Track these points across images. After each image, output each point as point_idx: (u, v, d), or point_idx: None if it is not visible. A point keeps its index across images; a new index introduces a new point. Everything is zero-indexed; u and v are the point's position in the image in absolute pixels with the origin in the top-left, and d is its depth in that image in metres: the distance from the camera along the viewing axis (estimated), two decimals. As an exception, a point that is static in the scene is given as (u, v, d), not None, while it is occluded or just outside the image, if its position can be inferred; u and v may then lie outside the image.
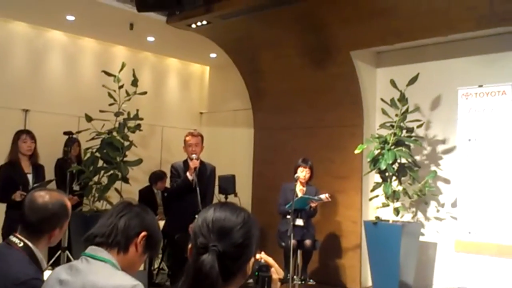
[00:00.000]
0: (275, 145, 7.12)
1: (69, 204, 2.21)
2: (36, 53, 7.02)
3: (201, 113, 9.09)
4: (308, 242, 5.58)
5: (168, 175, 5.76)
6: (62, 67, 7.30)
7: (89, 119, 5.63)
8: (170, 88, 8.71)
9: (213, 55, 8.17)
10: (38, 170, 5.17)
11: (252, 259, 1.43)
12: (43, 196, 2.14)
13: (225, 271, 1.34)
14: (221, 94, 8.82)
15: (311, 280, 5.80)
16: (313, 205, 5.50)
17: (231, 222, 1.41)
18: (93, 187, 5.62)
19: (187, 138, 5.12)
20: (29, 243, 2.09)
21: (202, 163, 5.13)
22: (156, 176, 7.10)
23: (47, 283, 1.76)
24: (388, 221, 5.65)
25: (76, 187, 5.73)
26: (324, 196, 5.45)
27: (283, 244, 5.46)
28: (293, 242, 5.22)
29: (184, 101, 8.87)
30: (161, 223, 5.25)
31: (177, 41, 7.41)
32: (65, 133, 5.98)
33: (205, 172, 5.18)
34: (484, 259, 5.01)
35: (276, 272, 1.46)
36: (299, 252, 5.67)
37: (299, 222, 5.53)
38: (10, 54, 6.79)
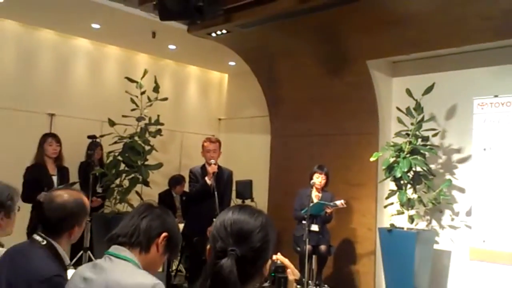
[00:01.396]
0: (292, 152, 7.11)
1: (86, 202, 2.22)
2: (63, 60, 7.15)
3: (219, 119, 9.13)
4: (323, 247, 5.56)
5: (187, 179, 5.79)
6: (87, 73, 7.41)
7: (112, 123, 5.70)
8: (190, 95, 8.77)
9: (232, 63, 8.21)
10: (63, 172, 5.25)
11: (269, 261, 1.44)
12: (61, 195, 2.15)
13: (243, 274, 1.34)
14: (239, 101, 8.86)
15: (326, 286, 5.76)
16: (328, 211, 5.49)
17: (250, 225, 1.41)
18: (115, 190, 5.68)
19: (205, 144, 5.14)
20: (52, 241, 2.11)
21: (219, 167, 5.15)
22: (175, 180, 7.14)
23: (71, 281, 1.78)
24: (402, 228, 5.60)
25: (99, 190, 5.78)
26: (339, 202, 5.44)
27: (299, 249, 5.45)
28: (308, 247, 5.21)
29: (203, 107, 8.93)
30: (180, 226, 5.27)
31: (197, 49, 7.47)
32: (89, 137, 6.06)
33: (223, 176, 5.19)
34: (498, 268, 4.92)
35: (292, 273, 1.46)
36: (314, 257, 5.64)
37: (315, 227, 5.52)
38: (37, 60, 6.92)
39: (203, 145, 5.17)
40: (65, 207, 2.13)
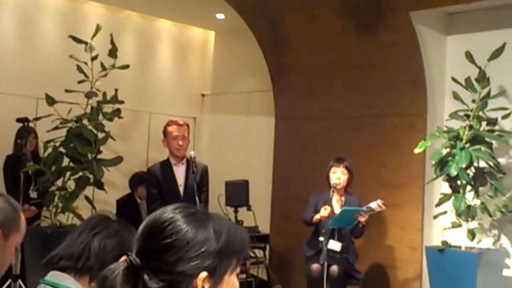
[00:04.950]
0: (305, 140, 7.12)
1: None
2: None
3: (202, 95, 9.14)
4: (335, 268, 5.40)
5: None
6: (15, 30, 7.37)
7: (50, 101, 5.69)
8: (161, 61, 8.76)
9: (220, 15, 8.19)
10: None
11: (203, 274, 1.32)
12: None
13: None
14: (230, 70, 8.84)
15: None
16: (362, 219, 5.43)
17: (161, 219, 1.35)
18: (55, 194, 5.68)
19: (170, 129, 5.23)
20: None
21: (189, 162, 5.20)
22: (137, 180, 7.14)
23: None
24: (459, 247, 5.63)
25: (33, 194, 5.80)
26: (375, 204, 5.37)
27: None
28: (315, 266, 5.23)
29: (180, 78, 8.92)
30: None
31: (172, -4, 7.45)
32: (18, 120, 6.04)
33: (196, 173, 5.21)
34: None
35: None
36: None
37: (335, 245, 5.45)
38: None
39: (166, 130, 5.24)
40: None
